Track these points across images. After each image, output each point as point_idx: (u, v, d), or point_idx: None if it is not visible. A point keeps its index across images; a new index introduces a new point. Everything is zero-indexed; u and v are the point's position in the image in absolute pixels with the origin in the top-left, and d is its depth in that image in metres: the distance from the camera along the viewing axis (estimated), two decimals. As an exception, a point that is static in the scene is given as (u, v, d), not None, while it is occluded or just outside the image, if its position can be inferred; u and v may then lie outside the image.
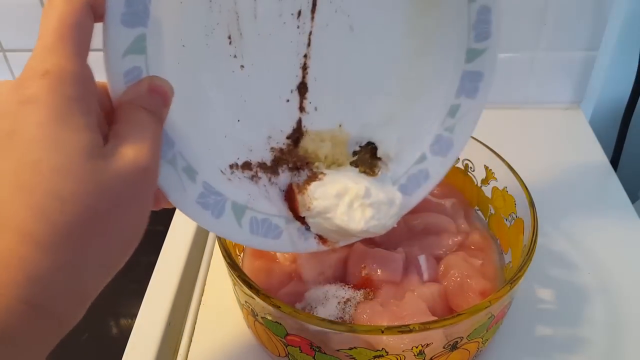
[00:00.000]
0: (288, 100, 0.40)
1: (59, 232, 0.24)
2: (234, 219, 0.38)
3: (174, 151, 0.34)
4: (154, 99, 0.30)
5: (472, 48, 0.43)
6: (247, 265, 0.50)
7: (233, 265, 0.42)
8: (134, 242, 0.29)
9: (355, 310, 0.44)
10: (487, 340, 0.43)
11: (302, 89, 0.40)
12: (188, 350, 0.50)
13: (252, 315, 0.43)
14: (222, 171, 0.38)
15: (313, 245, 0.42)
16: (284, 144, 0.41)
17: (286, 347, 0.42)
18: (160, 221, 0.61)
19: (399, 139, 0.45)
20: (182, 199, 0.35)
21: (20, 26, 0.74)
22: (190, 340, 0.50)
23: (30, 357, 0.25)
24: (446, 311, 0.45)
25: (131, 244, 0.29)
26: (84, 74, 0.27)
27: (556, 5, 0.67)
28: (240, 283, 0.40)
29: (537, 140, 0.71)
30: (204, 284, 0.55)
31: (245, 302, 0.43)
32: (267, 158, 0.40)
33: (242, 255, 0.51)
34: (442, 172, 0.46)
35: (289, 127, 0.41)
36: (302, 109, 0.41)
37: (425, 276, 0.47)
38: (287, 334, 0.40)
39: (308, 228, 0.42)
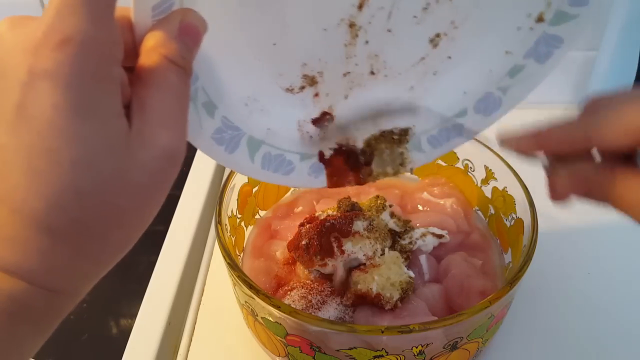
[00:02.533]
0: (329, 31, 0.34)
1: (78, 226, 0.23)
2: (247, 154, 0.37)
3: (196, 86, 0.31)
4: (184, 44, 0.26)
5: (563, 11, 0.37)
6: (247, 265, 0.50)
7: (233, 265, 0.42)
8: (148, 223, 0.28)
9: (355, 310, 0.44)
10: (487, 340, 0.43)
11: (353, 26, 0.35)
12: (188, 350, 0.50)
13: (252, 315, 0.43)
14: (246, 104, 0.35)
15: (322, 183, 0.41)
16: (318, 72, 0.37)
17: (286, 347, 0.41)
18: (160, 221, 0.61)
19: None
20: (197, 135, 0.33)
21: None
22: (190, 340, 0.50)
23: (47, 330, 0.27)
24: (446, 311, 0.45)
25: (145, 226, 0.27)
26: (111, 41, 0.23)
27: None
28: (240, 283, 0.40)
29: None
30: (204, 284, 0.55)
31: (245, 302, 0.43)
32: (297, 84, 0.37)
33: (241, 255, 0.51)
34: (476, 132, 0.42)
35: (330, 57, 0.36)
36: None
37: (426, 276, 0.47)
38: (287, 334, 0.40)
39: (322, 165, 0.40)
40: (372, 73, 0.38)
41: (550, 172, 0.32)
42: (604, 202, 0.31)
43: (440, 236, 0.49)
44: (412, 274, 0.45)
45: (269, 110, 0.37)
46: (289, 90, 0.37)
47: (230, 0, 0.31)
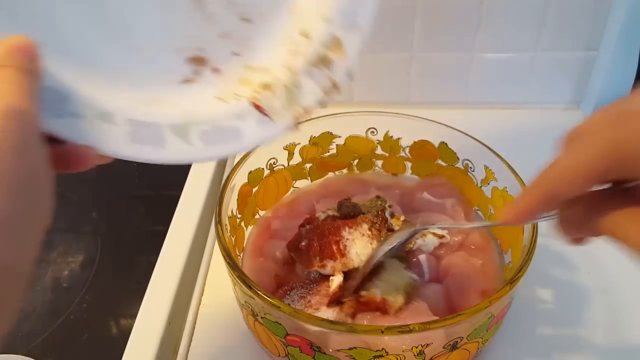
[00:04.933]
0: None
1: None
2: (181, 141, 0.36)
3: (72, 103, 0.31)
4: (16, 58, 0.27)
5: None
6: (247, 265, 0.50)
7: (233, 265, 0.42)
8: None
9: (353, 317, 0.44)
10: (487, 340, 0.43)
11: None
12: (188, 350, 0.50)
13: (252, 315, 0.43)
14: (148, 104, 0.35)
15: (280, 132, 0.38)
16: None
17: (286, 347, 0.41)
18: (160, 221, 0.61)
19: None
20: (113, 145, 0.33)
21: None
22: (190, 340, 0.50)
23: None
24: (447, 311, 0.45)
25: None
26: None
27: (556, 5, 0.67)
28: (240, 283, 0.40)
29: (537, 140, 0.70)
30: (204, 284, 0.55)
31: (245, 302, 0.43)
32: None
33: (241, 255, 0.51)
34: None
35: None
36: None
37: (427, 276, 0.47)
38: (287, 334, 0.40)
39: (266, 117, 0.37)
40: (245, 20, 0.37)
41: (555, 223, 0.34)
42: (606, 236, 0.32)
43: (441, 236, 0.49)
44: (415, 276, 0.45)
45: (179, 102, 0.36)
46: (187, 81, 0.37)
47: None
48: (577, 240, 0.35)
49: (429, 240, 0.49)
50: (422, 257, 0.48)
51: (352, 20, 0.39)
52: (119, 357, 0.49)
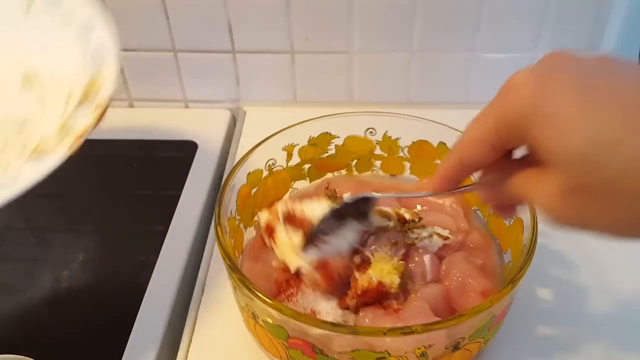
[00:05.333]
0: None
1: None
2: None
3: None
4: None
5: None
6: (246, 268, 0.50)
7: (234, 268, 0.41)
8: None
9: (357, 312, 0.44)
10: (488, 340, 0.44)
11: None
12: (188, 351, 0.50)
13: (252, 318, 0.43)
14: None
15: (57, 163, 0.40)
16: None
17: (287, 350, 0.41)
18: (160, 221, 0.62)
19: None
20: None
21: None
22: (190, 341, 0.50)
23: None
24: (448, 311, 0.45)
25: None
26: None
27: (556, 5, 0.67)
28: (241, 286, 0.40)
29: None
30: (204, 284, 0.55)
31: (246, 305, 0.43)
32: None
33: (240, 257, 0.51)
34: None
35: None
36: None
37: (429, 276, 0.47)
38: (289, 337, 0.40)
39: None
40: None
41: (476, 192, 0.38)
42: (517, 202, 0.37)
43: (445, 237, 0.49)
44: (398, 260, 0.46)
45: None
46: None
47: None
48: (502, 209, 0.39)
49: (434, 241, 0.49)
50: (427, 258, 0.48)
51: (101, 56, 0.45)
52: (119, 357, 0.49)
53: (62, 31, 0.48)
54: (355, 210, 0.47)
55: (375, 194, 0.47)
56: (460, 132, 0.53)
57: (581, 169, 0.27)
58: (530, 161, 0.32)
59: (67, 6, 0.49)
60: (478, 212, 0.55)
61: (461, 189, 0.40)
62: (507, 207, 0.39)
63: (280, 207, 0.47)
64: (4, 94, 0.49)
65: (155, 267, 0.57)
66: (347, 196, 0.51)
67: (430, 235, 0.49)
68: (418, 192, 0.48)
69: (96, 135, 0.76)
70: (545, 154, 0.29)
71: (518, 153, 0.34)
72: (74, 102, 0.44)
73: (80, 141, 0.42)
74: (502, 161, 0.34)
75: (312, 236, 0.45)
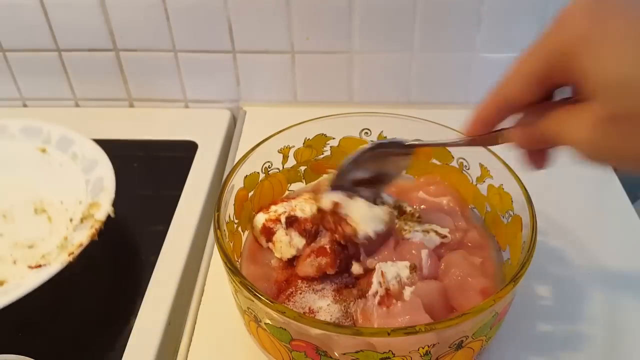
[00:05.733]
0: None
1: None
2: None
3: None
4: None
5: None
6: (245, 271, 0.50)
7: (235, 271, 0.41)
8: None
9: (350, 305, 0.44)
10: (490, 338, 0.44)
11: None
12: (188, 351, 0.50)
13: (254, 321, 0.43)
14: None
15: (56, 270, 0.49)
16: None
17: (290, 352, 0.41)
18: (160, 221, 0.62)
19: None
20: None
21: (20, 26, 0.74)
22: (190, 340, 0.51)
23: None
24: (446, 309, 0.45)
25: None
26: None
27: (556, 6, 0.67)
28: (243, 289, 0.40)
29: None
30: (204, 284, 0.55)
31: (248, 308, 0.42)
32: None
33: (239, 260, 0.51)
34: None
35: None
36: None
37: (425, 271, 0.47)
38: (292, 339, 0.40)
39: None
40: None
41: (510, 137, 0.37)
42: (555, 143, 0.34)
43: (443, 236, 0.49)
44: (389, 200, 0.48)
45: None
46: None
47: None
48: (534, 156, 0.37)
49: (431, 237, 0.49)
50: (424, 252, 0.48)
51: (100, 186, 0.57)
52: (119, 357, 0.49)
53: (70, 167, 0.61)
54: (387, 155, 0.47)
55: (407, 140, 0.47)
56: (455, 130, 0.53)
57: (622, 94, 0.27)
58: (571, 102, 0.31)
59: (76, 148, 0.62)
60: (475, 210, 0.55)
61: (497, 131, 0.38)
62: (539, 153, 0.37)
63: (281, 209, 0.48)
64: (19, 219, 0.62)
65: (155, 267, 0.57)
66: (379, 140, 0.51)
67: (427, 231, 0.49)
68: (453, 139, 0.48)
69: (96, 135, 0.77)
70: (587, 81, 0.28)
71: (558, 97, 0.34)
72: (75, 224, 0.55)
73: (77, 253, 0.51)
74: (540, 104, 0.33)
75: (341, 174, 0.46)
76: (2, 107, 0.81)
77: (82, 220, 0.55)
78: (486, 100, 0.35)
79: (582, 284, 0.53)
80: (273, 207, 0.51)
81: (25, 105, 0.82)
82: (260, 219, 0.50)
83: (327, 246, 0.47)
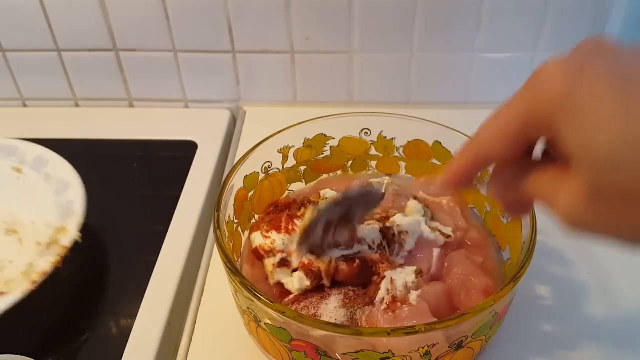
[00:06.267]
0: None
1: None
2: None
3: None
4: None
5: None
6: (246, 271, 0.50)
7: (235, 272, 0.41)
8: None
9: (357, 312, 0.44)
10: (490, 337, 0.44)
11: None
12: (188, 351, 0.50)
13: (254, 321, 0.43)
14: None
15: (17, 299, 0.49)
16: None
17: (290, 352, 0.41)
18: (160, 221, 0.62)
19: None
20: None
21: (20, 26, 0.74)
22: (190, 341, 0.50)
23: None
24: (450, 310, 0.45)
25: None
26: None
27: (556, 5, 0.67)
28: (243, 290, 0.40)
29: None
30: (204, 284, 0.55)
31: (248, 308, 0.42)
32: None
33: (239, 260, 0.51)
34: None
35: None
36: None
37: (433, 269, 0.47)
38: (292, 340, 0.40)
39: None
40: None
41: (488, 189, 0.36)
42: (532, 202, 0.33)
43: (448, 236, 0.49)
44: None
45: None
46: None
47: None
48: (513, 208, 0.36)
49: (437, 237, 0.49)
50: (436, 251, 0.48)
51: (70, 210, 0.57)
52: (119, 357, 0.49)
53: (43, 188, 0.62)
54: (359, 203, 0.46)
55: (380, 189, 0.46)
56: (455, 130, 0.53)
57: (611, 169, 0.25)
58: (551, 159, 0.30)
59: (50, 169, 0.63)
60: (475, 210, 0.55)
61: (472, 185, 0.37)
62: (519, 206, 0.36)
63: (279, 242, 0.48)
64: None
65: (156, 267, 0.57)
66: (352, 189, 0.50)
67: (434, 229, 0.49)
68: (427, 189, 0.48)
69: (96, 135, 0.77)
70: (573, 151, 0.26)
71: (538, 150, 0.32)
72: (41, 249, 0.55)
73: (40, 281, 0.50)
74: (521, 161, 0.32)
75: (309, 231, 0.45)
76: (2, 107, 0.81)
77: (48, 246, 0.54)
78: (463, 153, 0.34)
79: (582, 284, 0.53)
80: (273, 235, 0.48)
81: (25, 105, 0.82)
82: (257, 239, 0.49)
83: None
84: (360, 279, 0.46)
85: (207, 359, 0.49)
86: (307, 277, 0.46)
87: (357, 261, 0.46)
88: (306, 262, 0.46)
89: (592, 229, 0.28)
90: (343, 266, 0.46)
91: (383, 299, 0.43)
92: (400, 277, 0.45)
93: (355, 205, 0.46)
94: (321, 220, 0.45)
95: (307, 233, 0.45)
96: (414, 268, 0.46)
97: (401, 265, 0.46)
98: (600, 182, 0.26)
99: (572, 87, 0.26)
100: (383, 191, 0.46)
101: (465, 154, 0.34)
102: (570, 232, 0.28)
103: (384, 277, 0.45)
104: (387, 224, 0.49)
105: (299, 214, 0.49)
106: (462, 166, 0.35)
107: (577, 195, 0.27)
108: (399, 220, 0.49)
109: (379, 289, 0.44)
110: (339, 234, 0.46)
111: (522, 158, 0.32)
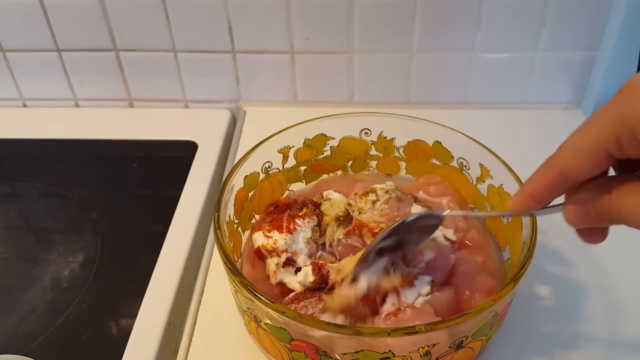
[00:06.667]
0: None
1: None
2: None
3: None
4: None
5: None
6: (246, 271, 0.50)
7: (235, 272, 0.41)
8: None
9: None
10: (490, 337, 0.44)
11: None
12: (188, 351, 0.50)
13: (254, 321, 0.43)
14: None
15: None
16: None
17: (290, 352, 0.41)
18: (160, 221, 0.62)
19: None
20: None
21: (20, 26, 0.74)
22: (190, 341, 0.50)
23: None
24: (454, 309, 0.45)
25: None
26: None
27: (556, 5, 0.67)
28: (242, 289, 0.40)
29: (537, 140, 0.71)
30: (204, 284, 0.55)
31: (248, 308, 0.42)
32: None
33: (240, 260, 0.51)
34: None
35: None
36: None
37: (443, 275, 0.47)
38: (292, 340, 0.40)
39: None
40: None
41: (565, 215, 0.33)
42: (616, 222, 0.31)
43: (453, 242, 0.49)
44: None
45: None
46: None
47: None
48: (590, 233, 0.34)
49: (442, 242, 0.49)
50: (452, 258, 0.48)
51: None
52: (119, 357, 0.49)
53: None
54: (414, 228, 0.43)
55: (442, 212, 0.43)
56: (455, 130, 0.53)
57: None
58: (632, 177, 0.29)
59: None
60: (475, 210, 0.55)
61: (550, 208, 0.35)
62: (596, 230, 0.34)
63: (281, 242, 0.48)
64: None
65: (156, 267, 0.57)
66: (413, 212, 0.48)
67: (445, 235, 0.49)
68: (501, 212, 0.45)
69: (96, 135, 0.77)
70: None
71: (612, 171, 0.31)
72: None
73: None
74: (596, 180, 0.30)
75: (366, 255, 0.42)
76: (2, 107, 0.81)
77: None
78: (539, 174, 0.32)
79: (582, 284, 0.53)
80: (275, 235, 0.48)
81: (25, 105, 0.82)
82: (258, 239, 0.49)
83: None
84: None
85: (207, 359, 0.49)
86: (312, 273, 0.46)
87: (377, 299, 0.43)
88: (319, 263, 0.46)
89: None
90: (363, 309, 0.43)
91: (386, 310, 0.43)
92: (411, 292, 0.43)
93: (411, 232, 0.43)
94: (374, 249, 0.42)
95: (361, 262, 0.43)
96: (429, 279, 0.44)
97: (415, 277, 0.44)
98: None
99: None
100: (443, 214, 0.43)
101: (544, 173, 0.32)
102: None
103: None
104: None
105: (300, 214, 0.49)
106: (540, 186, 0.33)
107: None
108: None
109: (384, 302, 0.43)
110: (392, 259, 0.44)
111: (599, 177, 0.30)
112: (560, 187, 0.32)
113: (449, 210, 0.47)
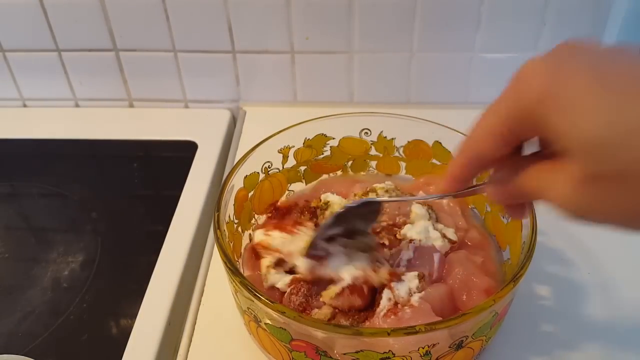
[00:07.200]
0: None
1: None
2: None
3: None
4: None
5: None
6: (246, 271, 0.50)
7: (235, 272, 0.41)
8: None
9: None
10: (490, 337, 0.44)
11: None
12: (188, 351, 0.50)
13: (254, 321, 0.43)
14: None
15: None
16: None
17: (290, 352, 0.41)
18: (160, 221, 0.62)
19: None
20: None
21: (20, 26, 0.74)
22: (190, 341, 0.51)
23: None
24: (453, 311, 0.45)
25: None
26: None
27: (556, 5, 0.67)
28: (242, 289, 0.40)
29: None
30: (204, 285, 0.55)
31: (248, 308, 0.42)
32: None
33: (240, 260, 0.51)
34: None
35: None
36: None
37: (435, 275, 0.47)
38: (292, 340, 0.40)
39: None
40: None
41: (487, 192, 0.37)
42: (527, 198, 0.34)
43: (453, 242, 0.49)
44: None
45: None
46: None
47: None
48: (512, 209, 0.38)
49: (443, 243, 0.49)
50: (436, 256, 0.48)
51: None
52: (119, 357, 0.49)
53: None
54: (360, 215, 0.45)
55: (378, 199, 0.46)
56: (455, 130, 0.53)
57: (599, 155, 0.26)
58: (543, 155, 0.31)
59: None
60: (475, 210, 0.55)
61: (471, 189, 0.38)
62: (518, 206, 0.37)
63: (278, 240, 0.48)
64: None
65: (155, 267, 0.57)
66: (350, 201, 0.50)
67: (444, 236, 0.49)
68: (427, 195, 0.48)
69: (96, 135, 0.77)
70: (561, 141, 0.28)
71: (528, 149, 0.33)
72: None
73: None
74: (512, 158, 0.33)
75: (314, 242, 0.45)
76: (2, 107, 0.81)
77: None
78: (457, 157, 0.35)
79: (582, 284, 0.53)
80: (275, 234, 0.49)
81: (25, 106, 0.82)
82: (258, 237, 0.49)
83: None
84: (369, 305, 0.45)
85: (207, 359, 0.49)
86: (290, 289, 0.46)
87: (365, 290, 0.45)
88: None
89: (590, 214, 0.28)
90: (355, 300, 0.44)
91: (384, 307, 0.43)
92: (402, 286, 0.44)
93: (356, 218, 0.45)
94: (323, 235, 0.45)
95: (310, 249, 0.46)
96: (416, 273, 0.46)
97: (402, 274, 0.46)
98: (590, 165, 0.27)
99: (555, 80, 0.28)
100: (382, 200, 0.47)
101: (459, 158, 0.35)
102: (570, 220, 0.29)
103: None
104: (398, 236, 0.49)
105: (305, 220, 0.50)
106: (460, 167, 0.36)
107: (572, 181, 0.28)
108: (409, 233, 0.49)
109: (381, 297, 0.44)
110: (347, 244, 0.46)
111: (514, 157, 0.33)
112: (476, 167, 0.35)
113: (387, 197, 0.51)
